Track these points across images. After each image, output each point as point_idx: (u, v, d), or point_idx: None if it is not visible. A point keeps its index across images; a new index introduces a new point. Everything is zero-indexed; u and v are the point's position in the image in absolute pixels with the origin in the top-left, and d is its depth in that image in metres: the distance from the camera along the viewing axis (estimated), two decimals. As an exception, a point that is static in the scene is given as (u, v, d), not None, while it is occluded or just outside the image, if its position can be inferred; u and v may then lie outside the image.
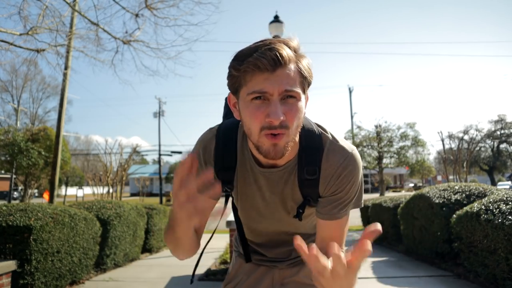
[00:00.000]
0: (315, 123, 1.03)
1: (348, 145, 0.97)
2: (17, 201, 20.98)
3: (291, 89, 0.83)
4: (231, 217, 4.81)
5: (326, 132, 1.00)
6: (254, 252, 1.24)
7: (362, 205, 1.04)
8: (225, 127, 1.05)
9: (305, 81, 0.88)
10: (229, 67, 0.87)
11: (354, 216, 9.18)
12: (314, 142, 0.97)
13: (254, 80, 0.83)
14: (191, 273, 1.20)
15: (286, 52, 0.83)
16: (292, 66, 0.84)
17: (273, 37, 0.89)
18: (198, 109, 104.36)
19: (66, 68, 8.60)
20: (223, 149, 1.02)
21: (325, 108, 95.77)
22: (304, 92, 0.88)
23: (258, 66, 0.81)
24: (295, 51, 0.86)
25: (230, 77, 0.88)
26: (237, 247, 1.31)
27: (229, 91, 0.93)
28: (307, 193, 1.00)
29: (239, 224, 1.18)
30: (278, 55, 0.81)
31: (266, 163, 0.99)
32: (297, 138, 0.93)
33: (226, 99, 1.23)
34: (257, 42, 0.86)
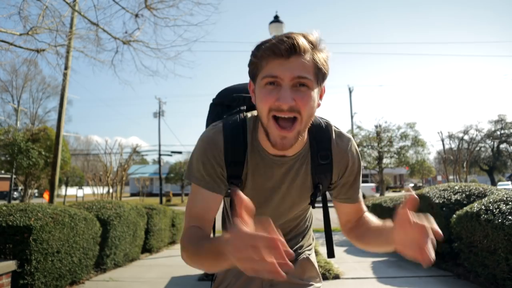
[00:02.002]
0: (319, 117, 1.09)
1: (346, 133, 1.09)
2: (17, 201, 20.98)
3: (303, 76, 0.86)
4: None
5: (330, 123, 1.07)
6: None
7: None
8: (231, 123, 1.04)
9: (319, 73, 0.90)
10: (250, 55, 0.92)
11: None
12: (323, 131, 1.04)
13: (269, 65, 0.87)
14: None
15: (302, 41, 0.86)
16: (307, 57, 0.87)
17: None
18: (198, 109, 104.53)
19: (66, 68, 8.60)
20: (232, 144, 1.01)
21: (325, 108, 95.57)
22: (318, 83, 0.90)
23: (274, 51, 0.85)
24: (312, 44, 0.89)
25: (250, 64, 0.93)
26: None
27: (249, 79, 0.98)
28: (319, 179, 1.05)
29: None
30: (295, 43, 0.85)
31: (276, 154, 1.01)
32: (306, 130, 0.97)
33: (210, 105, 1.27)
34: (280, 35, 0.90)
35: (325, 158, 1.03)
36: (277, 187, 1.05)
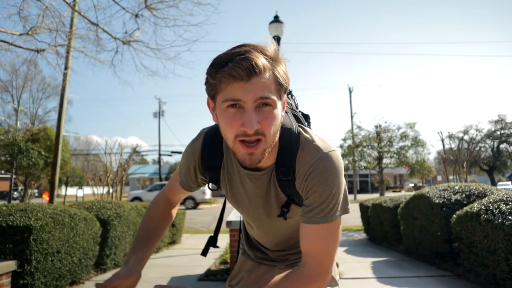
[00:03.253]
0: (298, 123, 1.03)
1: (325, 145, 0.95)
2: (17, 201, 20.98)
3: (266, 96, 0.83)
4: (230, 217, 4.81)
5: (305, 132, 0.99)
6: (257, 249, 1.27)
7: (349, 211, 0.99)
8: (214, 129, 1.07)
9: (281, 88, 0.88)
10: (206, 73, 0.87)
11: (354, 216, 9.17)
12: (290, 142, 0.96)
13: (229, 88, 0.83)
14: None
15: (261, 61, 0.83)
16: (267, 75, 0.84)
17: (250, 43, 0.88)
18: (198, 109, 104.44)
19: (66, 68, 8.60)
20: (208, 150, 1.05)
21: (325, 108, 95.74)
22: (280, 98, 0.88)
23: (233, 75, 0.81)
24: (271, 58, 0.86)
25: (207, 83, 0.88)
26: (243, 244, 1.34)
27: (207, 96, 0.94)
28: (289, 193, 1.00)
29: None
30: (254, 65, 0.81)
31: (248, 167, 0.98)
32: (275, 143, 0.93)
33: None
34: (234, 48, 0.86)
35: (286, 174, 0.96)
36: (253, 200, 1.05)
